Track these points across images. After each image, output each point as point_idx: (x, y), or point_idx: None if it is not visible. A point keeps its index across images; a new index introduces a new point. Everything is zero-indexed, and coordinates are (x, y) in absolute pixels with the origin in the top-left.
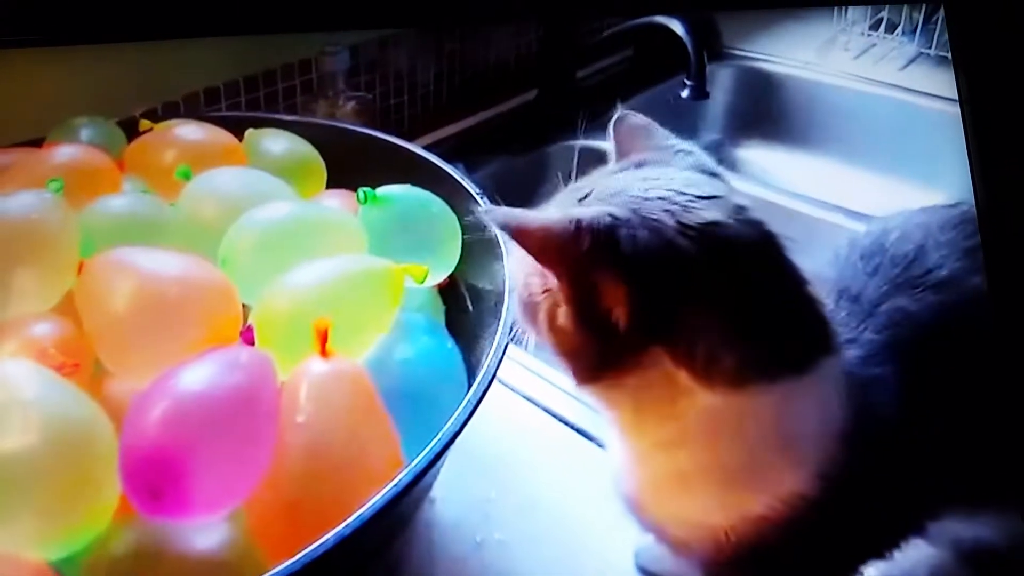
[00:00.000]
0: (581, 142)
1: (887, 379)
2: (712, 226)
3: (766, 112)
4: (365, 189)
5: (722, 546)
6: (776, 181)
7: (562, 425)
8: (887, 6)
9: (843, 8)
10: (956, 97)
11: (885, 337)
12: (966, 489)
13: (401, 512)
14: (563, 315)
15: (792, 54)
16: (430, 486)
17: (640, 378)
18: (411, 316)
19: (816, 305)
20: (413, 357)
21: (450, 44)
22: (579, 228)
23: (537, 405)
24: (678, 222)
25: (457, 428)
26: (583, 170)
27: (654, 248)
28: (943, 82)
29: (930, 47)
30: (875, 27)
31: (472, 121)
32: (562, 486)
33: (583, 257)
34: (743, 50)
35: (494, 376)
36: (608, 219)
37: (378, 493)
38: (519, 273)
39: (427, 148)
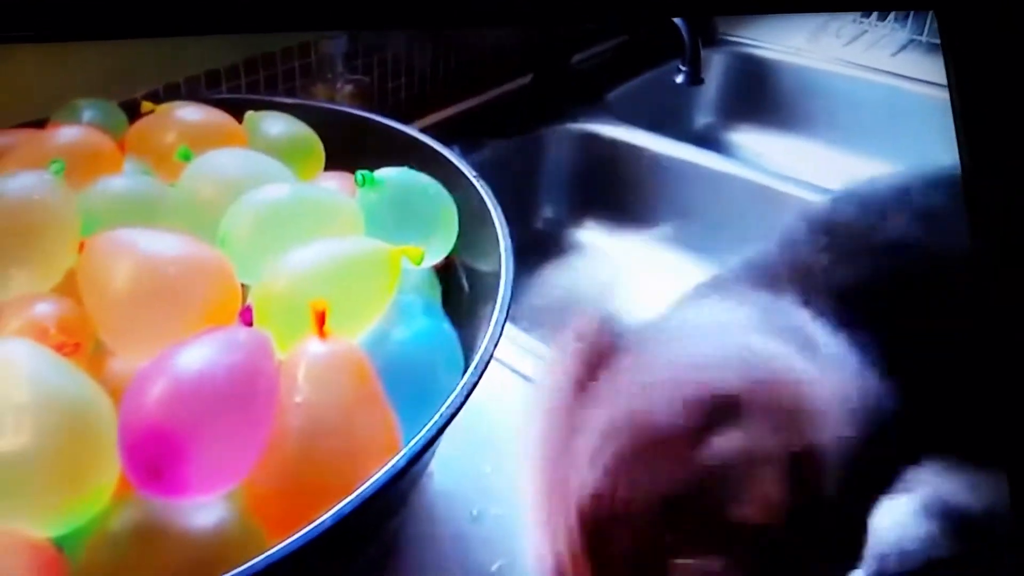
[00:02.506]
0: (575, 126)
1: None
2: None
3: (759, 97)
4: (363, 171)
5: None
6: (769, 165)
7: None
8: None
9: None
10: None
11: (844, 309)
12: (940, 454)
13: (399, 491)
14: None
15: (784, 40)
16: (427, 464)
17: None
18: (408, 297)
19: None
20: (410, 338)
21: (447, 29)
22: None
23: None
24: None
25: (454, 409)
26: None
27: None
28: (934, 68)
29: (922, 34)
30: (866, 14)
31: (468, 104)
32: None
33: None
34: (736, 36)
35: (491, 357)
36: None
37: (376, 472)
38: None
39: (424, 131)
